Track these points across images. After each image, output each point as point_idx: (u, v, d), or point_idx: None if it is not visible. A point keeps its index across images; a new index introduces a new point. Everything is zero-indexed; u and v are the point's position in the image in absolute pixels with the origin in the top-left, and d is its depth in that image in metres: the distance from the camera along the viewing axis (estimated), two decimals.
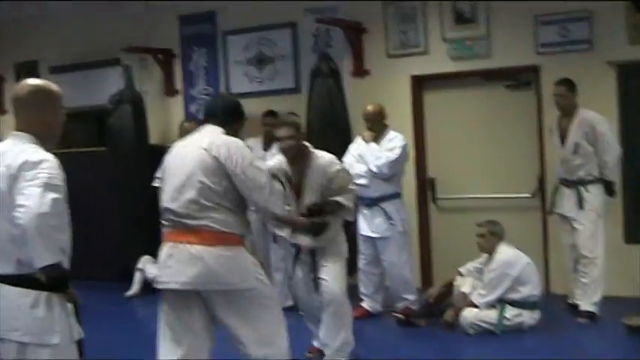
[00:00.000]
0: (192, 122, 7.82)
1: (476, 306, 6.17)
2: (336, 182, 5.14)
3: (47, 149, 3.26)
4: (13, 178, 3.10)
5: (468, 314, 6.17)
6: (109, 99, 8.78)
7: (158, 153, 8.37)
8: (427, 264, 8.08)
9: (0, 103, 10.73)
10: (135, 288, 8.39)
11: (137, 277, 8.42)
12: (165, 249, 4.12)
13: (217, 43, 9.06)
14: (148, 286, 8.42)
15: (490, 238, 6.30)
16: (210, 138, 4.13)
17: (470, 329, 6.15)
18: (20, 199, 3.04)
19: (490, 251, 6.29)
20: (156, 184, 7.70)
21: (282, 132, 5.19)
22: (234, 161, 4.03)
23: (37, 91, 3.33)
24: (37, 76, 10.03)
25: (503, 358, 5.80)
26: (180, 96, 9.33)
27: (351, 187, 5.24)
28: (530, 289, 6.17)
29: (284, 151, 5.22)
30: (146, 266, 8.45)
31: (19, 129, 3.30)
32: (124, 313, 7.98)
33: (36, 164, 3.10)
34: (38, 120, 3.28)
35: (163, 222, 4.17)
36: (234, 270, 4.01)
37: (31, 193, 3.03)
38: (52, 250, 3.04)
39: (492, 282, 6.15)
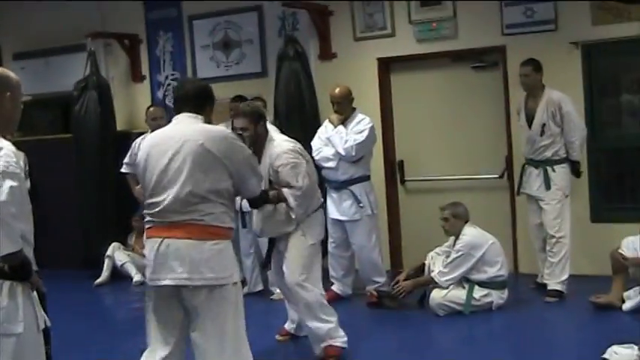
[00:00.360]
0: (157, 107, 7.78)
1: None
2: (280, 176, 5.06)
3: (5, 137, 3.21)
4: None
5: (437, 295, 6.21)
6: (75, 85, 8.69)
7: (124, 139, 8.41)
8: (396, 246, 8.11)
9: None
10: (104, 275, 8.34)
11: (106, 264, 8.37)
12: (151, 245, 3.92)
13: (183, 28, 8.99)
14: (116, 273, 8.40)
15: (454, 221, 6.32)
16: (198, 129, 3.98)
17: (439, 310, 6.18)
18: None
19: (455, 234, 6.32)
20: (123, 170, 7.69)
21: (237, 123, 5.18)
22: (232, 155, 3.95)
23: None
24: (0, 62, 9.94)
25: (471, 337, 5.87)
26: (146, 81, 9.26)
27: (296, 184, 5.03)
28: (497, 269, 6.20)
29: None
30: (115, 253, 8.40)
31: None
32: (92, 301, 7.94)
33: None
34: None
35: (147, 216, 4.02)
36: (223, 265, 3.89)
37: None
38: (12, 239, 3.02)
39: (455, 261, 6.17)
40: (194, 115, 4.04)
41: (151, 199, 3.95)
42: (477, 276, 6.19)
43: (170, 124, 4.14)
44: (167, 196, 3.86)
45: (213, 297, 3.83)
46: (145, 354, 4.03)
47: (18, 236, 3.05)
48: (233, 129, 7.21)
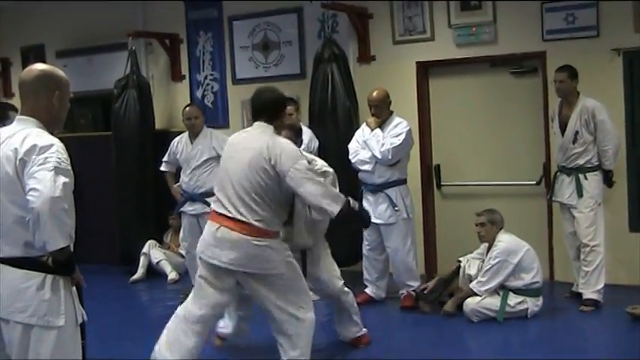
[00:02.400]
0: (193, 107, 7.83)
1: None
2: None
3: (52, 134, 3.27)
4: (22, 162, 3.12)
5: (471, 302, 6.18)
6: (115, 83, 8.78)
7: (163, 138, 8.48)
8: (431, 251, 8.08)
9: (6, 86, 10.74)
10: (139, 272, 8.42)
11: (142, 262, 8.45)
12: (211, 226, 4.65)
13: (223, 28, 9.04)
14: (152, 270, 8.47)
15: (489, 227, 6.29)
16: (265, 140, 4.61)
17: (473, 317, 6.16)
18: (32, 183, 3.06)
19: (490, 240, 6.29)
20: (162, 168, 7.76)
21: None
22: (284, 166, 4.51)
23: (44, 75, 3.35)
24: (43, 60, 10.08)
25: (505, 345, 5.83)
26: (185, 81, 9.33)
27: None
28: (533, 276, 6.16)
29: None
30: (151, 251, 8.48)
31: (24, 113, 3.32)
32: (127, 297, 8.01)
33: (45, 148, 3.13)
34: (44, 105, 3.30)
35: (214, 199, 4.75)
36: (265, 258, 4.57)
37: (42, 177, 3.05)
38: (63, 234, 3.08)
39: (492, 269, 6.14)
40: (265, 124, 4.72)
41: (217, 192, 4.70)
42: (512, 283, 6.15)
43: (247, 130, 4.92)
44: (228, 195, 4.59)
45: (260, 280, 4.66)
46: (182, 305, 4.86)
47: (68, 232, 3.11)
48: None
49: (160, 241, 8.70)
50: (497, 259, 6.13)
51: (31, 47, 10.32)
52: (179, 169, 7.58)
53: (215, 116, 8.96)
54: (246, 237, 4.52)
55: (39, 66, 3.41)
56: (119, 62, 8.89)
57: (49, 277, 3.18)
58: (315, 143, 7.30)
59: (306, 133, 6.92)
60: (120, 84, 8.75)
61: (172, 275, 8.28)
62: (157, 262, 8.44)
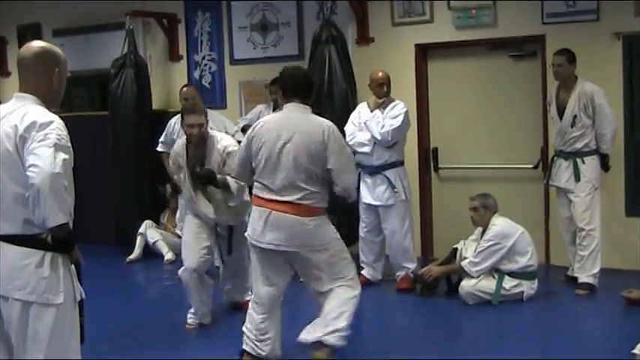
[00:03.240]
0: (190, 87, 7.81)
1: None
2: (227, 164, 5.59)
3: (50, 112, 3.27)
4: (22, 138, 3.11)
5: (467, 284, 6.19)
6: (112, 63, 8.74)
7: (160, 118, 8.45)
8: (428, 233, 8.09)
9: (3, 65, 10.69)
10: (136, 252, 8.41)
11: (138, 242, 8.45)
12: (262, 213, 4.66)
13: (221, 9, 9.00)
14: (148, 251, 8.48)
15: (483, 212, 6.29)
16: (307, 120, 4.68)
17: (469, 299, 6.17)
18: (32, 159, 3.05)
19: (484, 225, 6.29)
20: (159, 148, 7.75)
21: (192, 119, 5.65)
22: (334, 147, 4.60)
23: (43, 53, 3.34)
24: (39, 38, 9.99)
25: (500, 328, 5.85)
26: (183, 61, 9.29)
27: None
28: (527, 259, 6.17)
29: (190, 137, 5.70)
30: (147, 231, 8.47)
31: (23, 91, 3.31)
32: (124, 276, 8.02)
33: (45, 125, 3.12)
34: (43, 82, 3.29)
35: (257, 186, 4.72)
36: (319, 236, 4.68)
37: (42, 153, 3.05)
38: (63, 210, 3.08)
39: (485, 251, 6.15)
40: (303, 105, 4.72)
41: (260, 179, 4.68)
42: (507, 266, 6.16)
43: (283, 112, 4.80)
44: (276, 180, 4.60)
45: (311, 254, 4.72)
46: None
47: (68, 208, 3.11)
48: (274, 109, 7.27)
49: (157, 222, 8.69)
50: (490, 242, 6.14)
51: (28, 26, 10.25)
52: None
53: (212, 97, 8.93)
54: (301, 218, 4.59)
55: (38, 43, 3.39)
56: (116, 42, 8.85)
57: (48, 254, 3.19)
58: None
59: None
60: (117, 63, 8.72)
61: (169, 256, 8.27)
62: (154, 243, 8.43)
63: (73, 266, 3.31)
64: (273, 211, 4.62)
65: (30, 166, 3.05)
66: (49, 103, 3.30)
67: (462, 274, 6.29)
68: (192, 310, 5.81)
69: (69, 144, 3.17)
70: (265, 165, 4.65)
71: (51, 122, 3.15)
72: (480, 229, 6.37)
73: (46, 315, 3.18)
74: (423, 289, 6.50)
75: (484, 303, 6.12)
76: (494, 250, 6.13)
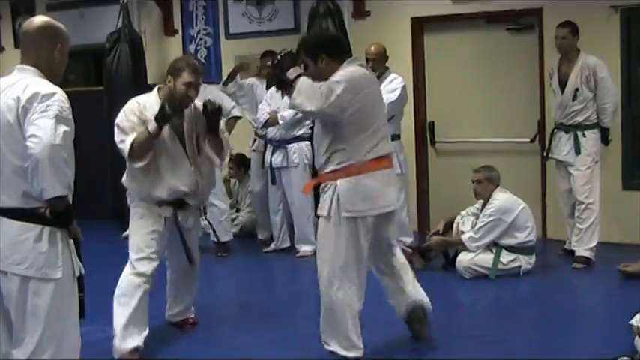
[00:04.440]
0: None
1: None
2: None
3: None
4: (24, 109, 3.10)
5: (464, 258, 6.20)
6: (107, 38, 8.67)
7: None
8: (424, 208, 8.09)
9: None
10: None
11: None
12: (381, 177, 4.31)
13: None
14: None
15: (486, 184, 6.29)
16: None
17: (466, 273, 6.18)
18: (32, 130, 3.05)
19: (485, 197, 6.29)
20: None
21: (192, 78, 4.78)
22: None
23: (47, 27, 3.34)
24: (33, 13, 9.90)
25: (497, 302, 5.86)
26: (178, 36, 9.24)
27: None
28: (527, 235, 6.18)
29: (186, 99, 4.81)
30: None
31: (24, 63, 3.30)
32: (120, 252, 7.98)
33: (47, 96, 3.12)
34: (45, 56, 3.29)
35: (365, 148, 4.27)
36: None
37: (43, 124, 3.04)
38: (62, 183, 3.08)
39: (486, 227, 6.15)
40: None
41: (374, 137, 4.29)
42: (505, 241, 6.17)
43: (357, 68, 4.35)
44: (381, 136, 4.33)
45: None
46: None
47: (67, 181, 3.11)
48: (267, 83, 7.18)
49: None
50: (491, 217, 6.14)
51: (22, 0, 10.17)
52: None
53: (208, 71, 8.88)
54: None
55: (42, 18, 3.39)
56: (111, 16, 8.76)
57: (47, 229, 3.19)
58: None
59: None
60: (112, 38, 8.65)
61: None
62: None
63: (72, 241, 3.30)
64: (385, 170, 4.37)
65: (30, 136, 3.04)
66: (49, 77, 3.29)
67: (460, 247, 6.30)
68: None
69: (70, 116, 3.16)
70: (373, 120, 4.30)
71: (53, 94, 3.14)
72: (479, 204, 6.36)
73: (44, 290, 3.19)
74: (418, 260, 6.48)
75: (481, 277, 6.13)
76: (494, 225, 6.13)
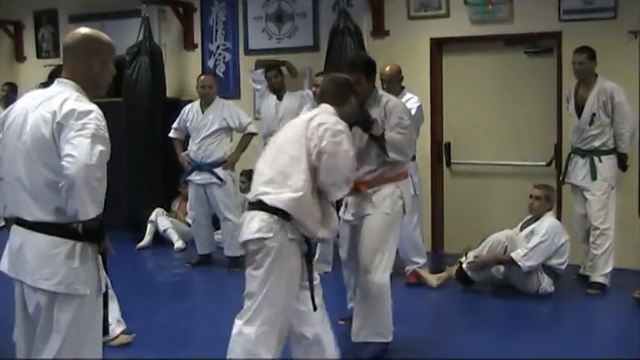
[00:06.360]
0: (207, 75, 7.81)
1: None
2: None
3: (90, 99, 3.22)
4: (59, 125, 3.06)
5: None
6: (127, 50, 8.74)
7: (174, 106, 8.45)
8: (438, 228, 8.07)
9: (19, 50, 10.72)
10: (146, 239, 8.43)
11: (149, 229, 8.47)
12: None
13: None
14: (159, 238, 8.49)
15: (544, 202, 6.38)
16: None
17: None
18: (68, 149, 2.99)
19: (539, 215, 6.35)
20: (171, 135, 7.75)
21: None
22: None
23: (86, 40, 3.28)
24: (56, 24, 10.06)
25: (509, 324, 5.83)
26: (198, 50, 9.29)
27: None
28: (561, 262, 6.26)
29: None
30: (158, 219, 8.49)
31: (65, 76, 3.26)
32: (134, 263, 8.03)
33: (83, 114, 3.06)
34: (82, 69, 3.24)
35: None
36: None
37: (79, 143, 2.99)
38: (96, 203, 3.03)
39: (540, 246, 6.16)
40: None
41: None
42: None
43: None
44: None
45: None
46: None
47: (101, 200, 3.05)
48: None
49: (168, 209, 8.70)
50: (545, 237, 6.17)
51: (45, 11, 10.29)
52: (188, 138, 7.57)
53: (226, 86, 8.93)
54: None
55: (83, 30, 3.33)
56: (132, 29, 8.85)
57: (79, 244, 3.14)
58: None
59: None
60: (132, 50, 8.72)
61: (178, 244, 8.29)
62: (164, 231, 8.45)
63: (99, 257, 3.26)
64: None
65: (66, 155, 2.98)
66: (90, 90, 3.26)
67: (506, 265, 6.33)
68: None
69: (107, 134, 3.10)
70: None
71: (90, 112, 3.08)
72: (518, 228, 6.42)
73: (69, 305, 3.14)
74: (433, 279, 6.49)
75: (495, 295, 6.12)
76: (548, 246, 6.18)
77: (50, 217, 3.11)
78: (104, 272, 3.30)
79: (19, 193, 3.16)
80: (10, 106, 3.35)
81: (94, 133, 3.03)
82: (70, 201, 2.98)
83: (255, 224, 3.89)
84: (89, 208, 2.99)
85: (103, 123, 3.10)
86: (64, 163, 2.97)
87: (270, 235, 3.85)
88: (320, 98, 4.48)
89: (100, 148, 3.01)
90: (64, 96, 3.14)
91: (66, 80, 3.24)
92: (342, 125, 4.08)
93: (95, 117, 3.08)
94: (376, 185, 4.85)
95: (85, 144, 2.98)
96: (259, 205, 3.93)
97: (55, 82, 3.27)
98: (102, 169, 3.04)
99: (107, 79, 3.35)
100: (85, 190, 2.96)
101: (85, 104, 3.12)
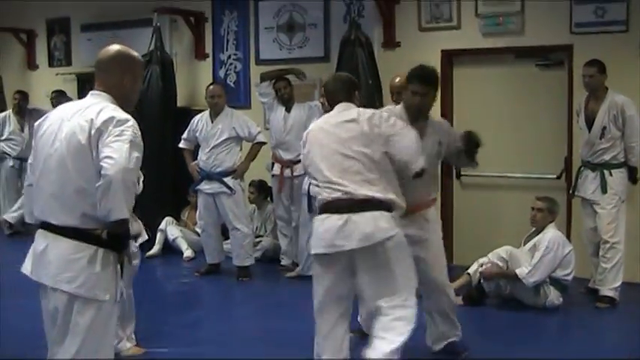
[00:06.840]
0: (217, 85, 7.83)
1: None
2: None
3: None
4: (98, 131, 3.17)
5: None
6: None
7: (184, 116, 8.47)
8: (448, 240, 8.01)
9: (31, 58, 10.78)
10: (156, 248, 8.45)
11: (158, 238, 8.48)
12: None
13: (249, 8, 9.03)
14: (168, 247, 8.51)
15: (546, 214, 6.35)
16: None
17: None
18: (107, 152, 3.11)
19: (541, 227, 6.33)
20: (181, 145, 7.77)
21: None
22: None
23: (118, 56, 3.42)
24: (68, 33, 10.10)
25: (516, 335, 5.80)
26: (209, 60, 9.33)
27: None
28: (567, 273, 6.23)
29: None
30: (168, 228, 8.50)
31: (97, 89, 3.39)
32: (143, 271, 8.01)
33: (122, 122, 3.19)
34: (114, 83, 3.37)
35: None
36: None
37: (118, 147, 3.11)
38: (128, 205, 3.14)
39: (543, 260, 6.14)
40: None
41: None
42: None
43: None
44: None
45: None
46: None
47: (132, 204, 3.17)
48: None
49: (178, 218, 8.72)
50: (547, 250, 6.15)
51: (57, 20, 10.37)
52: (198, 147, 7.59)
53: (237, 96, 8.96)
54: None
55: (116, 46, 3.47)
56: (143, 38, 8.88)
57: (101, 250, 3.23)
58: None
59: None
60: (143, 60, 8.72)
61: (188, 253, 8.31)
62: (173, 240, 8.46)
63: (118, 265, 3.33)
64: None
65: (105, 157, 3.10)
66: (121, 103, 3.36)
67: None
68: None
69: (142, 143, 3.23)
70: None
71: (127, 120, 3.22)
72: (522, 242, 6.41)
73: (88, 309, 3.22)
74: (470, 299, 6.45)
75: (502, 309, 6.10)
76: (551, 260, 6.16)
77: (75, 222, 3.21)
78: (122, 281, 3.39)
79: (49, 199, 3.26)
80: (45, 115, 3.47)
81: (132, 139, 3.17)
82: (104, 201, 3.08)
83: (383, 223, 4.17)
84: (122, 209, 3.10)
85: (139, 132, 3.24)
86: (102, 164, 3.09)
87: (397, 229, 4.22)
88: (331, 99, 4.59)
89: (136, 154, 3.16)
90: (101, 106, 3.27)
91: (100, 92, 3.38)
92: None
93: (132, 125, 3.22)
94: (426, 208, 5.00)
95: (125, 149, 3.11)
96: (369, 204, 4.16)
97: (89, 94, 3.41)
98: (135, 174, 3.19)
99: (136, 95, 3.51)
100: (121, 191, 3.07)
101: (122, 113, 3.26)
